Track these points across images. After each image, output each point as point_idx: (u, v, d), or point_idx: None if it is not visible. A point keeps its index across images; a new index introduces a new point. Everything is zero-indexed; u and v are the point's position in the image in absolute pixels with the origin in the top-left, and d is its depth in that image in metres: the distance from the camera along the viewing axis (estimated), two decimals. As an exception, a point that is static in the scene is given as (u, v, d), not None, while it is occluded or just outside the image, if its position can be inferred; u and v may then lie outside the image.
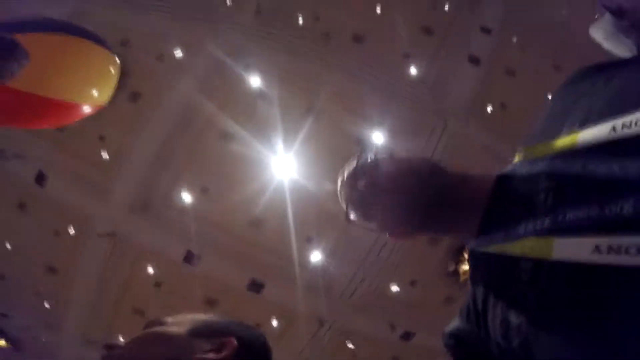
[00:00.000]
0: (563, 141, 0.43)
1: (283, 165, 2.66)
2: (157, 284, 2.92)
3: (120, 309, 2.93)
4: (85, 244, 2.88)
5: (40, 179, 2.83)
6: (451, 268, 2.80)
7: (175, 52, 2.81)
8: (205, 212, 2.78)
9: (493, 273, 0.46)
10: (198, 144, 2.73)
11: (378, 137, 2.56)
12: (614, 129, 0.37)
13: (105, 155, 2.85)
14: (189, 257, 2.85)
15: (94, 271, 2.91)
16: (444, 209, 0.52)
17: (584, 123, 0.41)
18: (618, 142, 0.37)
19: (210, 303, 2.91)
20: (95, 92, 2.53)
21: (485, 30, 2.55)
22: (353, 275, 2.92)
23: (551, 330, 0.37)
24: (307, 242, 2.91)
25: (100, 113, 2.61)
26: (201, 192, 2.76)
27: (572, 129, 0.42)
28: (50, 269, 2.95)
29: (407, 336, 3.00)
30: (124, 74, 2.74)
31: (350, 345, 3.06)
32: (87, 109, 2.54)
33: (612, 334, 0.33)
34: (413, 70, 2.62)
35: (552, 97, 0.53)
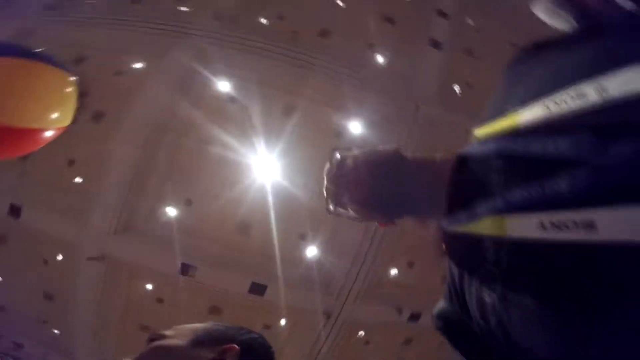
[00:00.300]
0: (507, 121, 0.44)
1: (266, 167, 2.65)
2: (160, 300, 2.87)
3: (127, 328, 2.87)
4: (78, 269, 2.79)
5: (14, 211, 2.69)
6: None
7: (136, 65, 2.70)
8: (193, 222, 2.72)
9: (463, 253, 0.48)
10: (175, 155, 2.66)
11: (356, 128, 2.59)
12: (547, 107, 0.39)
13: (78, 179, 2.72)
14: (184, 270, 2.80)
15: (92, 294, 2.83)
16: (411, 194, 0.55)
17: (525, 102, 0.42)
18: (553, 120, 0.38)
19: (215, 311, 2.89)
20: (54, 116, 2.41)
21: (442, 14, 2.63)
22: (351, 265, 2.94)
23: (519, 307, 0.38)
24: (301, 239, 2.92)
25: (65, 136, 2.48)
26: (185, 203, 2.70)
27: (515, 109, 0.44)
28: (47, 296, 2.86)
29: (415, 317, 3.03)
30: (82, 93, 2.61)
31: (362, 333, 3.11)
32: (48, 134, 2.41)
33: (566, 308, 0.34)
34: (380, 59, 2.67)
35: (500, 78, 0.55)
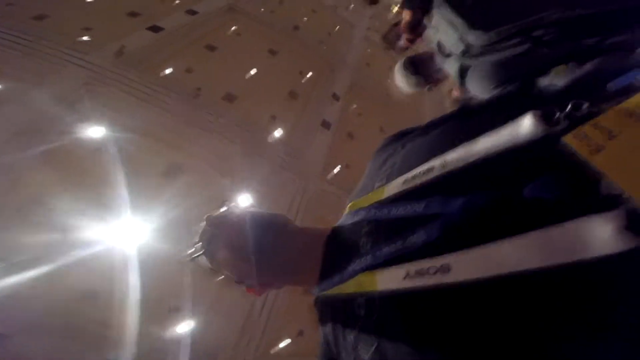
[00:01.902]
0: (375, 194, 0.54)
1: (132, 230, 2.28)
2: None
3: None
4: None
5: None
6: (316, 313, 2.85)
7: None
8: (12, 285, 2.11)
9: (336, 314, 0.51)
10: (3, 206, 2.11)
11: (245, 198, 2.46)
12: (405, 181, 0.49)
13: None
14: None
15: None
16: (287, 255, 0.58)
17: (389, 179, 0.53)
18: (410, 190, 0.48)
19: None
20: None
21: (335, 97, 2.90)
22: (238, 339, 2.64)
23: (395, 355, 0.40)
24: (173, 311, 2.53)
25: None
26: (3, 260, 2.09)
27: (381, 184, 0.54)
28: None
29: (311, 388, 2.79)
30: None
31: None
32: None
33: (437, 349, 0.36)
34: (278, 132, 2.72)
35: (370, 161, 0.66)
